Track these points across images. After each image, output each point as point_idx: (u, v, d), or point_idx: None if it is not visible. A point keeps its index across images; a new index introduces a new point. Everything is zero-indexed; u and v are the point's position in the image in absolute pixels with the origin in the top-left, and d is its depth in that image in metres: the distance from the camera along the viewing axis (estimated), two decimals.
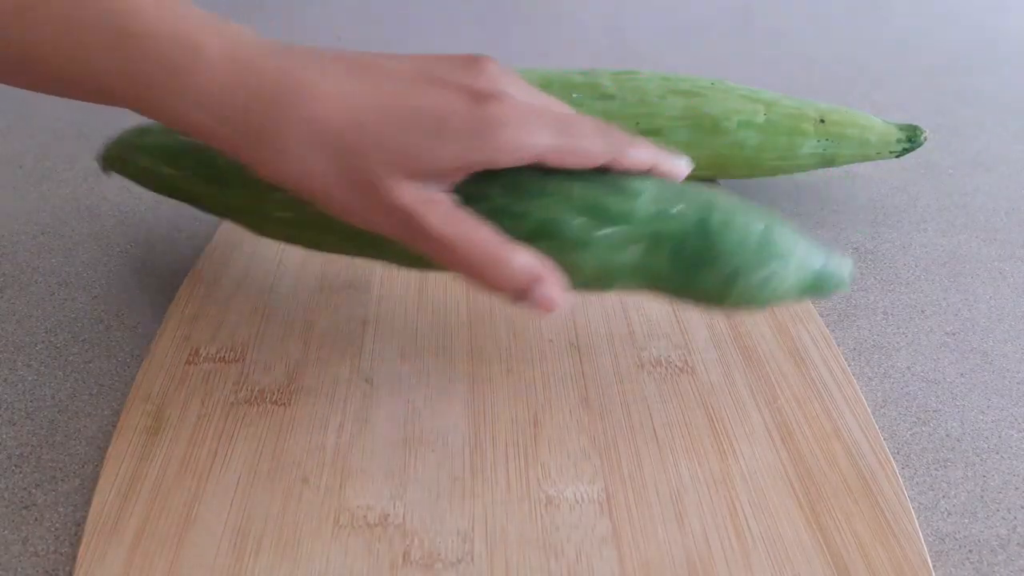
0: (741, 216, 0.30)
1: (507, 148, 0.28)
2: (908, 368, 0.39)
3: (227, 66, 0.27)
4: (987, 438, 0.35)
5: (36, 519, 0.30)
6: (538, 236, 0.29)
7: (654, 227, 0.30)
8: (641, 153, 0.31)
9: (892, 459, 0.33)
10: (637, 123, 0.47)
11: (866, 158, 0.49)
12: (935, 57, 0.75)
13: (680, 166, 0.32)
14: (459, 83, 0.28)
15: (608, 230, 0.29)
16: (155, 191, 0.38)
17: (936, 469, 0.34)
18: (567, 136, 0.29)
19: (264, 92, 0.27)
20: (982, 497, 0.32)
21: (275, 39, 0.29)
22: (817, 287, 0.31)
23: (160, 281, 0.42)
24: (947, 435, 0.35)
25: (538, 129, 0.28)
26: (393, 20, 0.79)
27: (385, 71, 0.28)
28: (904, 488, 0.31)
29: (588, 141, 0.29)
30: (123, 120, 0.34)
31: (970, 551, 0.30)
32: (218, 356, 0.37)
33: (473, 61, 0.30)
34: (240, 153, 0.28)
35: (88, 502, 0.31)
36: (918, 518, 0.31)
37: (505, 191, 0.30)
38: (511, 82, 0.30)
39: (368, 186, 0.27)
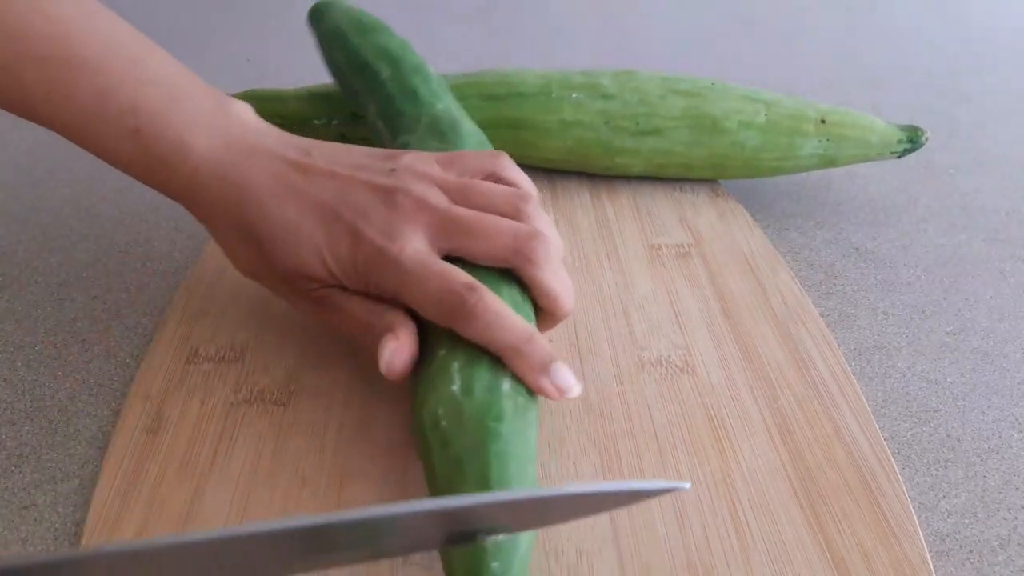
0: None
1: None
2: (908, 368, 0.39)
3: (205, 168, 0.32)
4: (987, 438, 0.35)
5: (36, 519, 0.30)
6: None
7: None
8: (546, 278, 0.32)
9: (892, 459, 0.33)
10: (637, 123, 0.47)
11: (867, 159, 0.49)
12: (935, 57, 0.75)
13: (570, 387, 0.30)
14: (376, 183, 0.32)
15: None
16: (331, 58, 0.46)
17: (936, 469, 0.34)
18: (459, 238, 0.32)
19: (226, 195, 0.32)
20: (982, 497, 0.32)
21: (257, 126, 0.34)
22: None
23: (160, 281, 0.42)
24: (947, 435, 0.35)
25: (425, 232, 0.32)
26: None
27: (313, 185, 0.32)
28: (904, 488, 0.31)
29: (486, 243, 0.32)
30: None
31: (970, 551, 0.30)
32: (218, 356, 0.37)
33: (391, 157, 0.34)
34: (215, 236, 0.34)
35: (88, 502, 0.31)
36: (918, 518, 0.31)
37: None
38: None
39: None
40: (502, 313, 0.29)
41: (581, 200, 0.49)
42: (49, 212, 0.48)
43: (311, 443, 0.33)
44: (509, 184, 0.35)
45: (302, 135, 0.51)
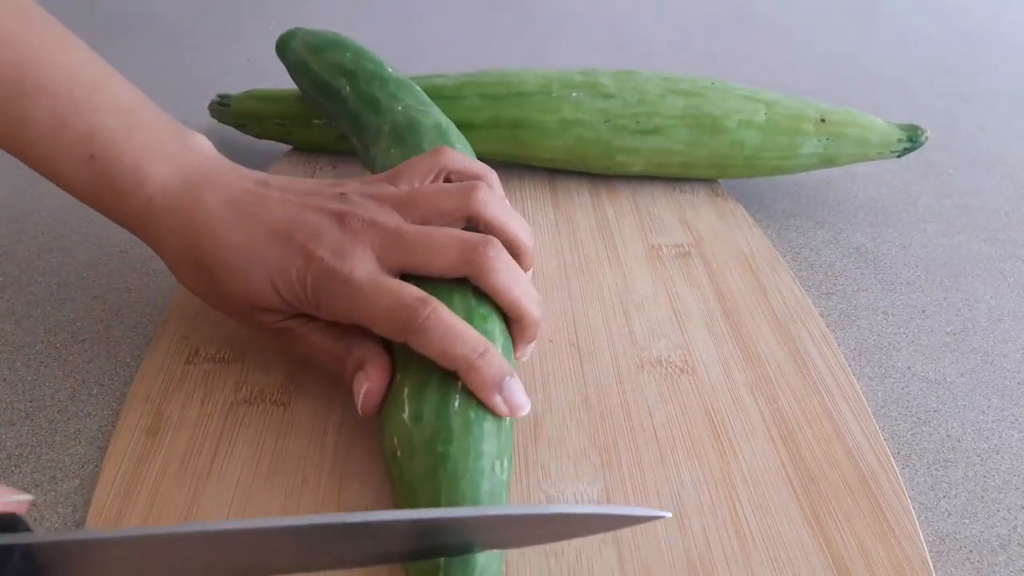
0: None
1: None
2: (908, 368, 0.39)
3: (159, 197, 0.32)
4: (987, 438, 0.35)
5: (36, 519, 0.30)
6: None
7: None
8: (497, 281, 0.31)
9: (892, 459, 0.33)
10: (637, 122, 0.47)
11: (867, 158, 0.49)
12: (935, 57, 0.75)
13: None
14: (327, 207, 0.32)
15: None
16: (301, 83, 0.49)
17: (936, 469, 0.34)
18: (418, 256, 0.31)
19: (179, 225, 0.32)
20: (982, 497, 0.32)
21: (215, 158, 0.34)
22: None
23: (160, 281, 0.42)
24: (947, 435, 0.35)
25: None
26: (393, 21, 0.79)
27: (265, 210, 0.32)
28: (904, 488, 0.31)
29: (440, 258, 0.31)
30: None
31: (970, 551, 0.30)
32: (218, 356, 0.37)
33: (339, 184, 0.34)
34: (168, 265, 0.34)
35: (88, 502, 0.31)
36: (918, 518, 0.31)
37: None
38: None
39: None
40: (455, 326, 0.29)
41: (581, 200, 0.49)
42: (49, 212, 0.48)
43: (311, 443, 0.33)
44: (460, 175, 0.35)
45: (303, 135, 0.52)
